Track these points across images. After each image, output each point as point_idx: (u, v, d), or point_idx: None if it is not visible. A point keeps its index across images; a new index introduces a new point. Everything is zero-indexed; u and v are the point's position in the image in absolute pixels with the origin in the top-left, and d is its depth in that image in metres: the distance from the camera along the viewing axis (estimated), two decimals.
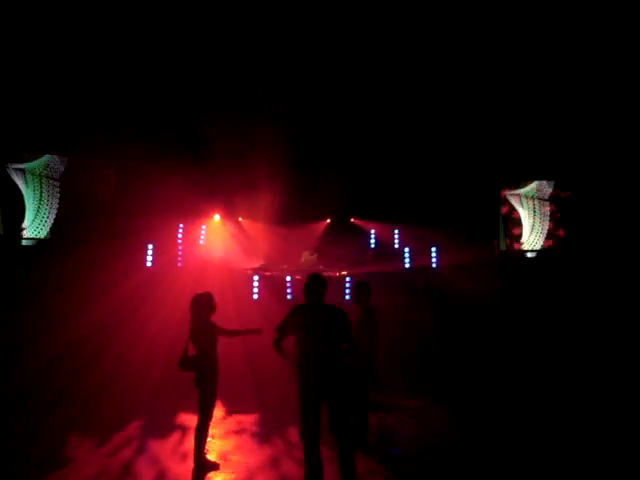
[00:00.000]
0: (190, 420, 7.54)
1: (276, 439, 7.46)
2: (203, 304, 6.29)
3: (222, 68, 11.33)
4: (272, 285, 11.57)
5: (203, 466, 6.21)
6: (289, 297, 11.54)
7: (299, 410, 5.42)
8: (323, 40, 11.01)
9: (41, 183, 11.44)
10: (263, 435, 7.70)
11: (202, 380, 6.18)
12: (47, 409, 8.28)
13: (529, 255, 13.10)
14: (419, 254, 12.92)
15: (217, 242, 11.98)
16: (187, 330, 6.31)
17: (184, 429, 7.78)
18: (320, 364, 5.41)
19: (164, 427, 7.99)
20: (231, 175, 11.39)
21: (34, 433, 7.59)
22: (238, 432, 7.87)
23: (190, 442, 6.52)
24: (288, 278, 11.66)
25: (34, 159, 11.39)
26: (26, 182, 11.32)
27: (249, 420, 8.38)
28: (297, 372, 5.50)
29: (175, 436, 7.64)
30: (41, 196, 11.44)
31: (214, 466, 6.33)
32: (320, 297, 5.62)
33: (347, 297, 11.98)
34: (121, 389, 9.26)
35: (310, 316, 5.56)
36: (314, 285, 5.64)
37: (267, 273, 11.86)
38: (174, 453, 7.01)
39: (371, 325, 7.15)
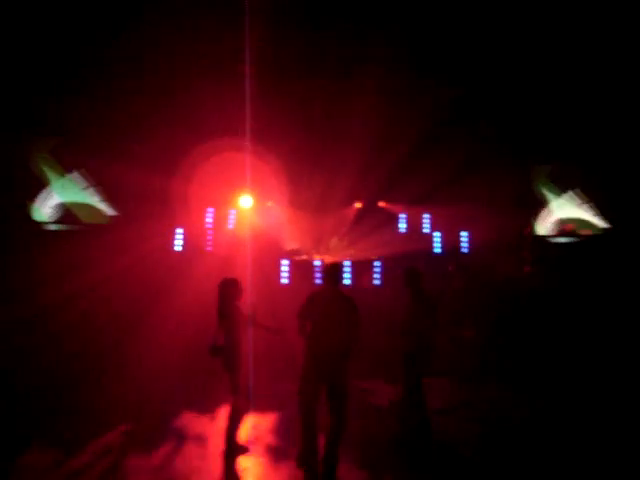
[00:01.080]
0: (193, 426, 6.99)
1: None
2: (229, 289, 6.31)
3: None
4: (302, 270, 11.54)
5: (234, 448, 6.22)
6: (318, 282, 11.50)
7: (301, 386, 5.70)
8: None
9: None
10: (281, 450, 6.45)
11: (229, 364, 6.20)
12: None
13: (562, 240, 12.80)
14: (449, 238, 12.76)
15: (246, 227, 11.94)
16: (214, 315, 6.30)
17: (180, 439, 6.55)
18: (330, 352, 5.61)
19: (155, 435, 6.56)
20: (261, 159, 11.29)
21: None
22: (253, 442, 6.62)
23: (185, 461, 6.03)
24: (317, 263, 11.62)
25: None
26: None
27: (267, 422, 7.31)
28: (307, 354, 5.72)
29: (164, 449, 6.26)
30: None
31: (244, 449, 6.34)
32: (336, 285, 5.87)
33: (376, 282, 11.94)
34: (114, 379, 8.17)
35: (325, 304, 5.78)
36: (331, 273, 5.90)
37: (297, 258, 11.83)
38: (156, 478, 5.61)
39: (423, 311, 6.84)
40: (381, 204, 12.96)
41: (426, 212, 12.99)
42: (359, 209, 12.87)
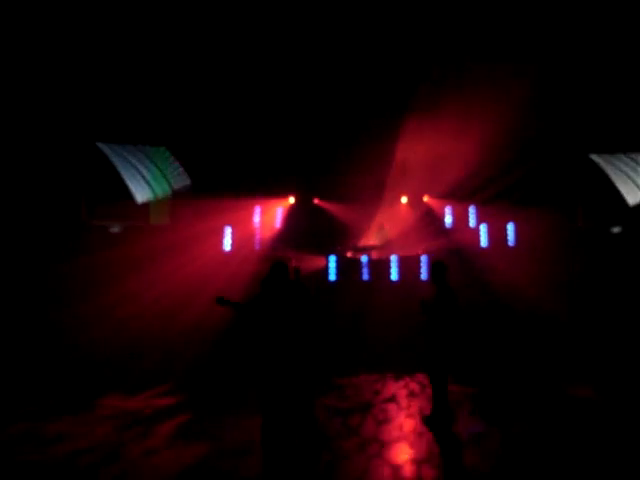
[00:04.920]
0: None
1: None
2: (279, 269, 6.31)
3: None
4: (351, 266, 11.56)
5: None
6: (365, 277, 11.53)
7: None
8: None
9: None
10: None
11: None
12: None
13: (614, 230, 12.47)
14: (495, 231, 12.63)
15: (293, 224, 12.07)
16: None
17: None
18: None
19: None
20: (307, 156, 11.39)
21: None
22: None
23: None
24: (364, 259, 11.64)
25: None
26: None
27: None
28: None
29: None
30: None
31: None
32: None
33: (423, 277, 11.90)
34: None
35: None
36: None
37: (347, 254, 11.88)
38: None
39: (447, 307, 6.35)
40: (426, 198, 12.91)
41: (471, 204, 12.90)
42: (405, 204, 12.86)
